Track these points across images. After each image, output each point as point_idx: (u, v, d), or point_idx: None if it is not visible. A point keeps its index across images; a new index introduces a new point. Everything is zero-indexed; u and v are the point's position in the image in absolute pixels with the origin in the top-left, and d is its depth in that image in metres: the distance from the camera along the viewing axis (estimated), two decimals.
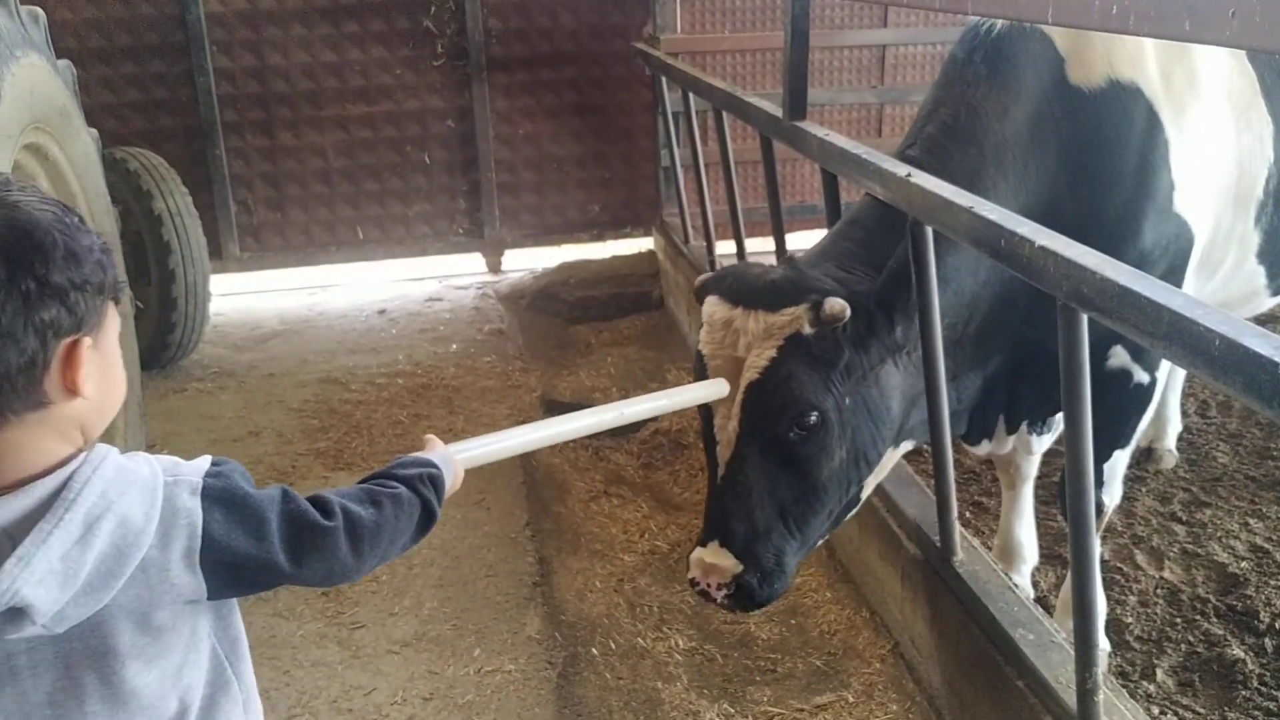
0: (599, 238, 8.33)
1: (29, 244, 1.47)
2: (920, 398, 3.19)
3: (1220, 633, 3.83)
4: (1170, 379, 4.80)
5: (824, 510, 3.05)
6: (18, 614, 1.43)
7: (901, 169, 3.01)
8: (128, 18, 7.32)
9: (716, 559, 2.95)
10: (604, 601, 4.12)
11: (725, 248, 5.98)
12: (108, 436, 3.87)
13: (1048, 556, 4.26)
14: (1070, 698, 2.65)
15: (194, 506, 1.57)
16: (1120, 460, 3.60)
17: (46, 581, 1.43)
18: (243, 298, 7.94)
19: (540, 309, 7.58)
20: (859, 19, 7.87)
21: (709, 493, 3.10)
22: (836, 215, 3.86)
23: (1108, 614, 3.83)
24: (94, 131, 4.00)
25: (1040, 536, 4.19)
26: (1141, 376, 3.42)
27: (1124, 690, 2.93)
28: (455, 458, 2.05)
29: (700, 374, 3.06)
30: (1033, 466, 3.99)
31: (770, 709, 3.52)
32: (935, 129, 3.28)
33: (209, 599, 1.65)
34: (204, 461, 1.67)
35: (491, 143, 7.97)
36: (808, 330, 2.88)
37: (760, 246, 6.44)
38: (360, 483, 1.87)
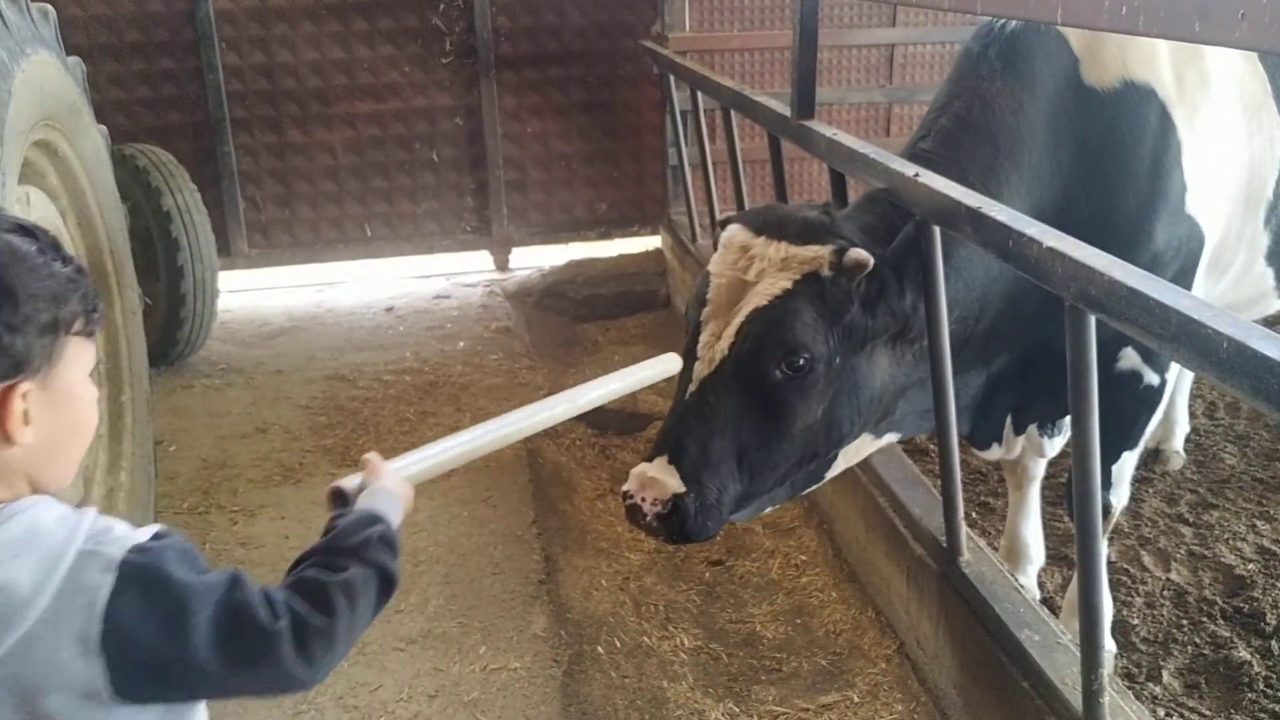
0: (606, 236, 8.33)
1: None
2: (911, 390, 3.16)
3: (1227, 635, 3.82)
4: (1178, 381, 4.79)
5: (781, 465, 2.94)
6: None
7: (909, 169, 3.00)
8: (137, 14, 7.34)
9: (660, 474, 2.82)
10: (610, 600, 4.12)
11: None
12: (115, 435, 3.88)
13: (1054, 558, 4.26)
14: (1076, 699, 2.65)
15: (101, 583, 1.37)
16: (1128, 462, 3.60)
17: None
18: (251, 294, 7.95)
19: (547, 307, 7.58)
20: (867, 18, 7.86)
21: (671, 410, 2.98)
22: None
23: (1114, 615, 3.83)
24: (103, 128, 4.01)
25: (1046, 537, 4.19)
26: (1151, 378, 3.41)
27: (1129, 692, 2.93)
28: (402, 475, 1.88)
29: (702, 292, 3.00)
30: (1041, 468, 3.98)
31: (775, 708, 3.52)
32: (949, 121, 3.27)
33: (117, 695, 1.39)
34: (143, 533, 1.49)
35: (499, 140, 7.97)
36: (826, 273, 2.84)
37: None
38: (303, 561, 1.63)
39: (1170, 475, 4.92)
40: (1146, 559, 4.30)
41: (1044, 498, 4.18)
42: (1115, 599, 3.95)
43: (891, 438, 3.31)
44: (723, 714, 3.48)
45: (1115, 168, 3.21)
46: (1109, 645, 3.53)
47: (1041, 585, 4.16)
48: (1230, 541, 4.40)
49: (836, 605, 4.04)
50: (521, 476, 5.13)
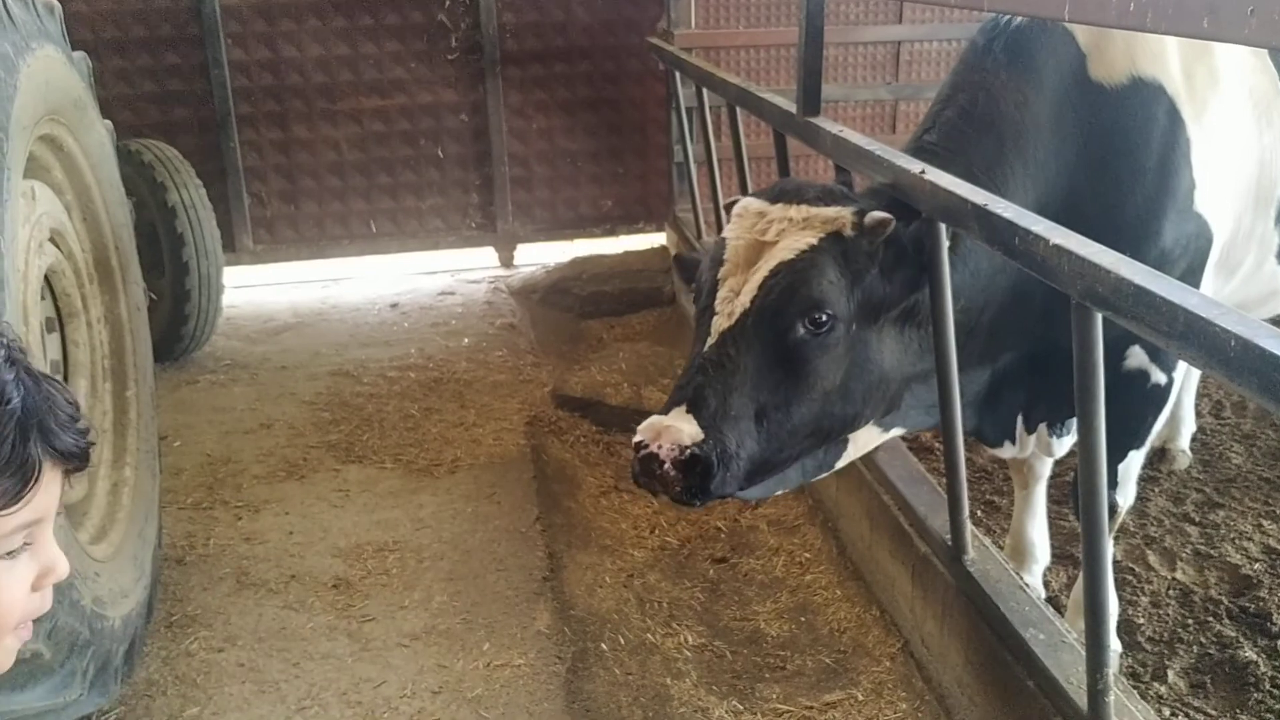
0: (611, 233, 8.33)
1: None
2: (915, 380, 3.15)
3: (1232, 634, 3.81)
4: (1185, 379, 4.77)
5: (798, 431, 2.87)
6: None
7: (915, 165, 2.99)
8: (143, 10, 7.34)
9: (678, 421, 2.71)
10: (613, 597, 4.12)
11: None
12: (119, 430, 3.88)
13: (1059, 556, 4.24)
14: (1081, 698, 2.64)
15: None
16: (1135, 461, 3.58)
17: None
18: (255, 290, 7.96)
19: (552, 303, 7.57)
20: (874, 15, 7.85)
21: (688, 364, 2.91)
22: None
23: (1119, 614, 3.82)
24: (109, 123, 4.00)
25: (1051, 536, 4.17)
26: (1159, 377, 3.40)
27: (1135, 691, 2.92)
28: None
29: (718, 254, 2.95)
30: (1047, 466, 3.97)
31: (779, 706, 3.51)
32: (954, 114, 3.26)
33: None
34: None
35: (505, 137, 7.97)
36: (849, 232, 2.84)
37: None
38: None
39: (1176, 474, 4.91)
40: (1152, 558, 4.29)
41: (1049, 496, 4.18)
42: (1121, 598, 3.94)
43: (896, 431, 3.31)
44: (726, 712, 3.48)
45: (1122, 164, 3.20)
46: (1114, 644, 3.51)
47: (1046, 584, 4.15)
48: (1236, 541, 4.38)
49: (841, 603, 4.03)
50: (525, 473, 5.13)
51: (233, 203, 7.71)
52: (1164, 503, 4.69)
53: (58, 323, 3.67)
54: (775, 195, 2.99)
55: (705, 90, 5.95)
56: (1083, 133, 3.21)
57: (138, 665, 3.69)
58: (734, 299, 2.85)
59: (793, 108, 4.08)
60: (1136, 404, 3.44)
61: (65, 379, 3.67)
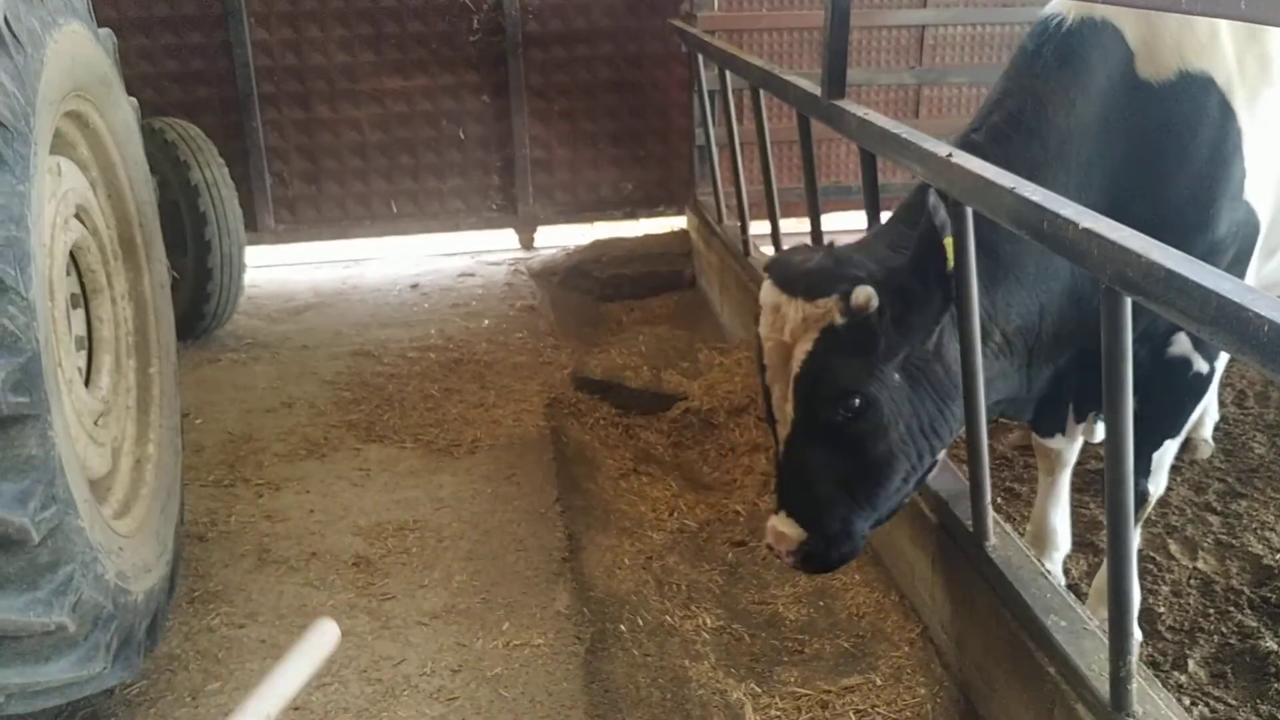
0: (632, 216, 8.32)
1: None
2: (999, 378, 3.24)
3: (1254, 625, 3.79)
4: None
5: (890, 480, 3.14)
6: None
7: (942, 149, 2.97)
8: None
9: (785, 528, 3.14)
10: (632, 579, 4.12)
11: (759, 228, 5.95)
12: (143, 407, 3.90)
13: (1078, 544, 4.23)
14: (1103, 686, 2.63)
15: None
16: (1170, 450, 3.57)
17: None
18: (277, 270, 7.98)
19: (572, 286, 7.57)
20: None
21: (776, 464, 3.26)
22: (874, 196, 3.84)
23: (1140, 603, 3.80)
24: (134, 100, 4.01)
25: (1072, 524, 4.16)
26: (1200, 366, 3.40)
27: (1156, 680, 2.90)
28: None
29: (760, 357, 3.19)
30: (1074, 454, 3.96)
31: (797, 689, 3.51)
32: (1001, 118, 3.26)
33: None
34: None
35: (526, 119, 7.96)
36: (839, 320, 2.96)
37: (795, 227, 6.41)
38: None
39: (1199, 464, 4.88)
40: (1174, 547, 4.27)
41: (1071, 484, 4.15)
42: (1141, 587, 3.92)
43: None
44: (744, 694, 3.48)
45: (1172, 161, 3.19)
46: (1135, 633, 3.50)
47: (1066, 571, 4.13)
48: (1258, 531, 4.36)
49: (860, 588, 4.02)
50: (545, 454, 5.14)
51: (255, 182, 7.73)
52: (1186, 492, 4.66)
53: (83, 299, 3.68)
54: (782, 283, 3.10)
55: (728, 73, 5.93)
56: (1130, 133, 3.19)
57: (160, 640, 3.71)
58: (784, 405, 3.12)
59: (817, 90, 4.06)
60: (1177, 392, 3.44)
61: (89, 355, 3.69)
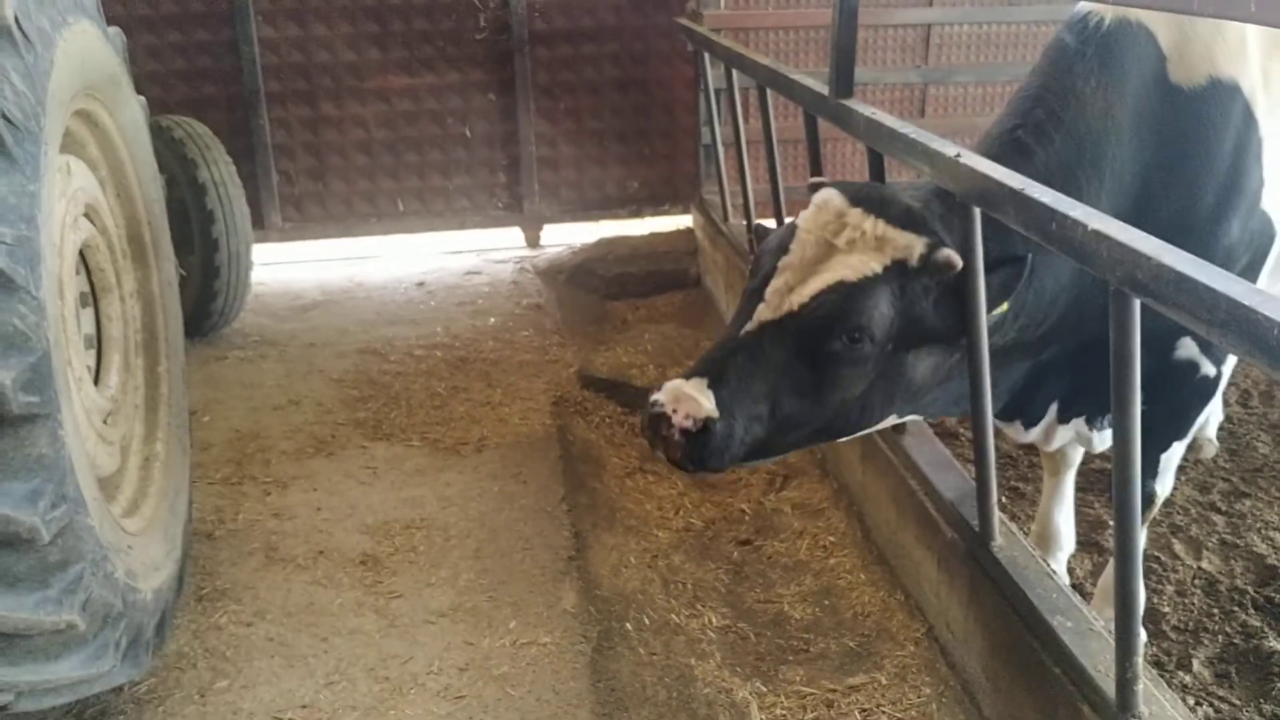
0: (637, 214, 8.33)
1: None
2: (949, 382, 3.18)
3: (1258, 624, 3.80)
4: None
5: (807, 426, 3.02)
6: None
7: (950, 149, 2.97)
8: None
9: (697, 393, 2.86)
10: (638, 577, 4.13)
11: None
12: (151, 406, 3.91)
13: (1083, 544, 4.24)
14: (1108, 686, 2.64)
15: None
16: (1177, 452, 3.58)
17: None
18: (284, 268, 7.99)
19: (578, 284, 7.58)
20: None
21: (722, 336, 3.04)
22: None
23: (1145, 603, 3.81)
24: (142, 99, 4.02)
25: (1076, 523, 4.16)
26: (1208, 369, 3.41)
27: (1161, 680, 2.91)
28: None
29: (785, 240, 3.01)
30: (1078, 455, 3.96)
31: (802, 688, 3.52)
32: (1043, 115, 3.21)
33: None
34: None
35: (532, 117, 7.96)
36: (914, 264, 2.88)
37: None
38: None
39: (1203, 463, 4.88)
40: (1178, 547, 4.28)
41: (1075, 484, 4.16)
42: (1146, 587, 3.93)
43: (912, 418, 3.33)
44: (750, 693, 3.49)
45: (1197, 167, 3.19)
46: (1140, 633, 3.51)
47: (1070, 571, 4.14)
48: (1262, 531, 4.36)
49: (865, 587, 4.03)
50: (552, 453, 5.15)
51: (261, 180, 7.74)
52: (1190, 491, 4.66)
53: (92, 297, 3.69)
54: (858, 198, 2.98)
55: (734, 71, 5.92)
56: (1160, 137, 3.20)
57: (168, 638, 3.73)
58: (786, 294, 2.93)
59: (824, 90, 4.06)
60: (1184, 395, 3.44)
61: (98, 353, 3.70)
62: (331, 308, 7.28)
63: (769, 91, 5.20)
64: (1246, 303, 1.84)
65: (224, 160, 6.45)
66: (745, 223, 6.13)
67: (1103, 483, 4.70)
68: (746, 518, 4.54)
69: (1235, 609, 3.90)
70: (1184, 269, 2.00)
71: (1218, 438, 5.01)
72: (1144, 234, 2.21)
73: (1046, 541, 4.03)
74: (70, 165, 3.41)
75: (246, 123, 7.64)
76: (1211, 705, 3.47)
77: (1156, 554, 4.20)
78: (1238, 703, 3.48)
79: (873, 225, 2.90)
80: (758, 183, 6.09)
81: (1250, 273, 3.33)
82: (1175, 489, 4.64)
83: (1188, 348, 3.36)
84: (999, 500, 3.75)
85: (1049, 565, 3.25)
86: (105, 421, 3.50)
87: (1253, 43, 3.23)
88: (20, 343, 2.59)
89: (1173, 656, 3.69)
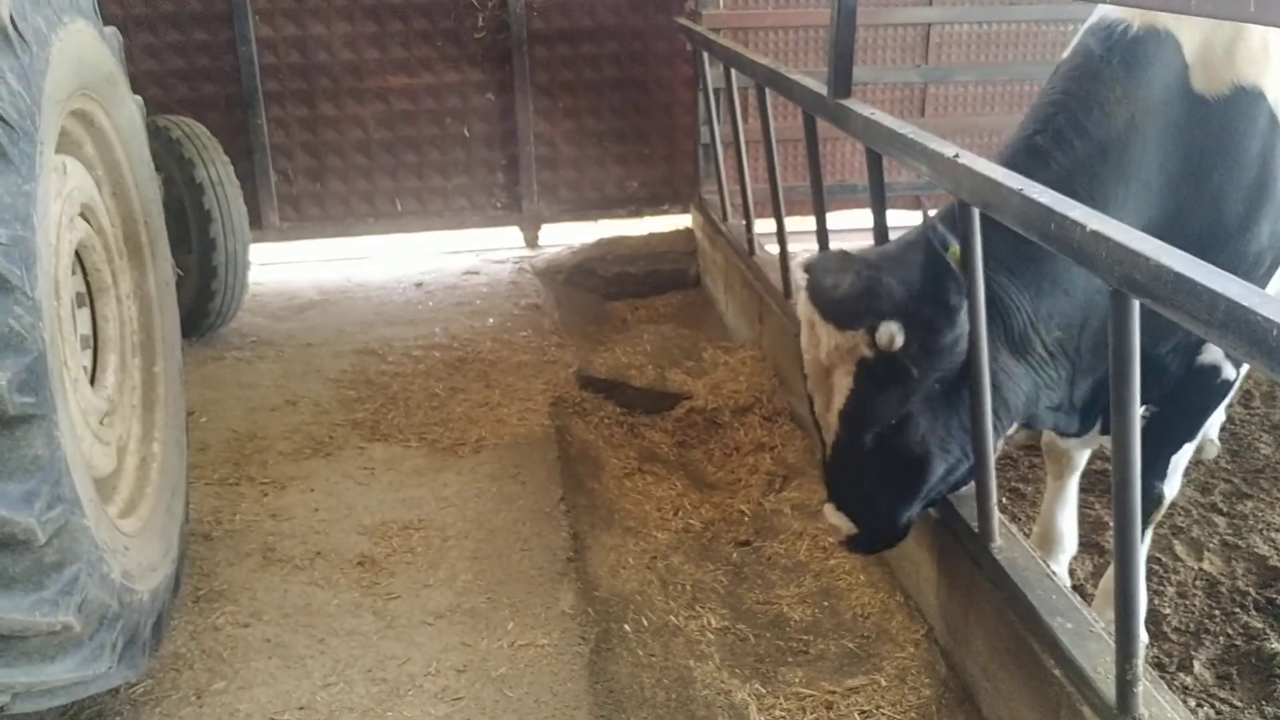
0: (637, 214, 8.31)
1: None
2: (1045, 388, 3.29)
3: (1260, 626, 3.79)
4: None
5: (928, 479, 3.26)
6: None
7: (949, 149, 2.97)
8: None
9: (836, 520, 3.34)
10: (637, 578, 4.12)
11: (764, 226, 5.94)
12: (148, 406, 3.89)
13: (1084, 545, 4.23)
14: (1108, 688, 2.63)
15: None
16: (1187, 453, 3.58)
17: None
18: (281, 268, 7.98)
19: (577, 284, 7.57)
20: None
21: (823, 460, 3.41)
22: (880, 195, 3.83)
23: (1146, 605, 3.79)
24: (139, 99, 4.01)
25: (1078, 525, 4.15)
26: (1229, 373, 3.43)
27: (1162, 682, 2.90)
28: None
29: (804, 369, 3.30)
30: (1084, 459, 3.95)
31: (802, 690, 3.51)
32: (1066, 122, 3.22)
33: None
34: None
35: (531, 116, 7.95)
36: (868, 354, 3.03)
37: (800, 226, 6.39)
38: None
39: (1205, 464, 4.87)
40: (1179, 548, 4.26)
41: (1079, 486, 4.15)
42: (1147, 588, 3.91)
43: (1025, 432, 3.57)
44: (749, 694, 3.47)
45: (1224, 176, 3.18)
46: (1141, 635, 3.50)
47: (1072, 573, 4.13)
48: (1264, 532, 4.35)
49: (865, 588, 4.02)
50: (550, 454, 5.14)
51: (259, 180, 7.72)
52: (1192, 492, 4.65)
53: (88, 298, 3.68)
54: (814, 299, 3.16)
55: (733, 71, 5.92)
56: (1185, 147, 3.18)
57: (165, 639, 3.71)
58: (826, 414, 3.25)
59: (823, 89, 4.05)
60: (1201, 397, 3.46)
61: (95, 354, 3.69)
62: (329, 308, 7.27)
63: (768, 91, 5.20)
64: (1245, 303, 1.83)
65: (221, 160, 6.43)
66: (744, 222, 6.12)
67: (1103, 484, 4.69)
68: (746, 519, 4.53)
69: (1237, 610, 3.89)
70: (1182, 269, 1.99)
71: (1220, 439, 5.00)
72: (1142, 234, 2.20)
73: (1049, 543, 4.02)
74: (66, 165, 3.40)
75: (244, 123, 7.63)
76: (1213, 707, 3.46)
77: (1158, 555, 4.19)
78: (1239, 704, 3.47)
79: (827, 336, 3.11)
80: (757, 182, 6.09)
81: (1268, 276, 3.35)
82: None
83: (1212, 352, 3.37)
84: (999, 501, 3.74)
85: (1049, 566, 3.24)
86: (102, 422, 3.49)
87: (1274, 48, 3.21)
88: (15, 343, 2.58)
89: (1174, 658, 3.68)
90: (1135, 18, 3.22)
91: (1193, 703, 3.45)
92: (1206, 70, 3.18)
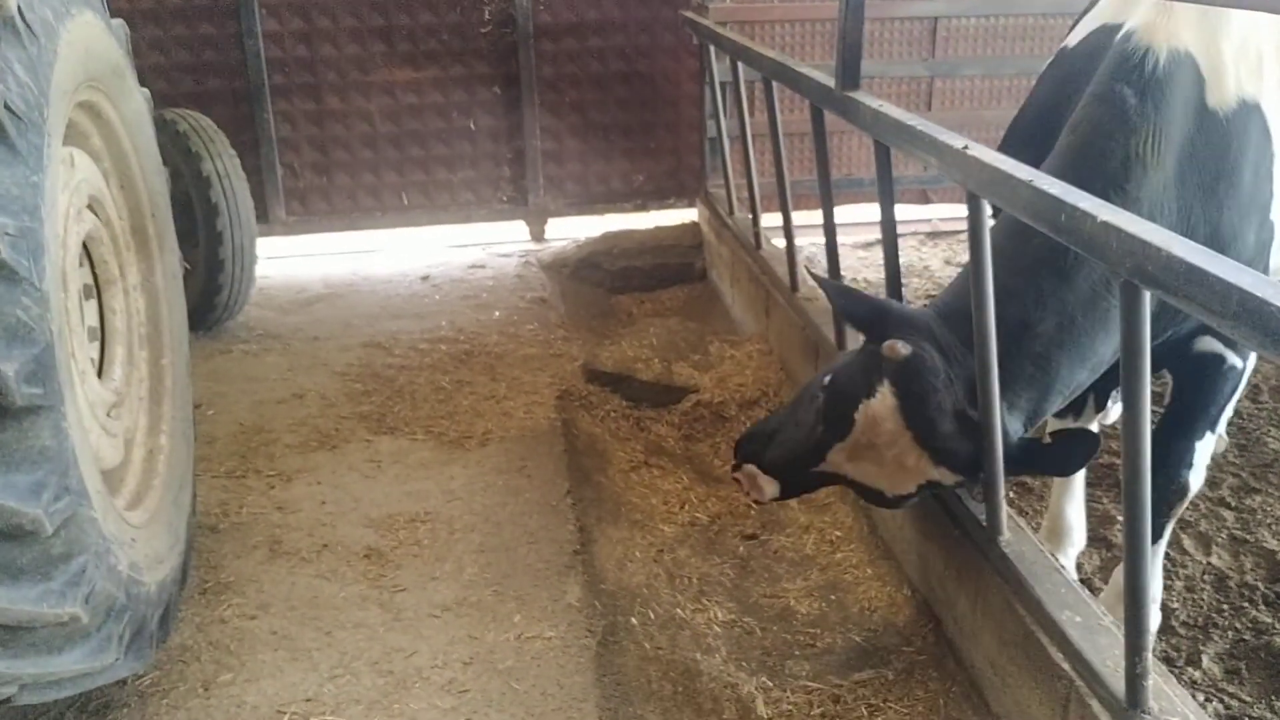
0: (643, 208, 8.31)
1: None
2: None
3: (1268, 620, 3.78)
4: None
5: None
6: None
7: (958, 141, 2.95)
8: None
9: (766, 485, 3.59)
10: (644, 571, 4.12)
11: (771, 220, 5.93)
12: (155, 399, 3.90)
13: (1092, 539, 4.21)
14: (1118, 682, 2.62)
15: None
16: (1210, 442, 3.56)
17: None
18: (288, 261, 7.98)
19: (583, 278, 7.57)
20: None
21: (780, 423, 3.59)
22: (888, 188, 3.82)
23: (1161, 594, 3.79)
24: (146, 91, 4.01)
25: (1086, 518, 4.14)
26: (1235, 361, 3.43)
27: (1172, 676, 2.89)
28: None
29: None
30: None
31: (809, 684, 3.50)
32: (1102, 188, 3.03)
33: None
34: None
35: (537, 110, 7.94)
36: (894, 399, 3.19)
37: (807, 219, 6.39)
38: None
39: (1213, 459, 4.85)
40: (1187, 542, 4.25)
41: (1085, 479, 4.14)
42: None
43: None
44: (756, 688, 3.47)
45: (1228, 187, 3.18)
46: (1151, 628, 3.49)
47: (1079, 567, 4.12)
48: (1272, 526, 4.34)
49: (871, 582, 4.01)
50: (556, 447, 5.14)
51: (266, 174, 7.72)
52: (1200, 487, 4.63)
53: (95, 290, 3.68)
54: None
55: (740, 64, 5.90)
56: (1198, 165, 3.16)
57: (172, 631, 3.72)
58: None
59: (831, 82, 4.03)
60: (1214, 383, 3.46)
61: (102, 346, 3.69)
62: (336, 301, 7.27)
63: (775, 84, 5.18)
64: (1258, 293, 1.82)
65: (228, 153, 6.43)
66: (751, 216, 6.11)
67: (1111, 478, 4.68)
68: (752, 512, 4.52)
69: (1245, 605, 3.88)
70: (1194, 260, 1.98)
71: (1228, 433, 4.99)
72: (1154, 225, 2.19)
73: (1057, 536, 4.02)
74: (74, 157, 3.40)
75: (251, 116, 7.63)
76: (1221, 701, 3.45)
77: (1166, 550, 4.17)
78: (1248, 699, 3.46)
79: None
80: (763, 176, 6.08)
81: None
82: None
83: (1208, 341, 3.37)
84: (1007, 495, 3.73)
85: (1057, 560, 3.23)
86: (109, 414, 3.49)
87: (1269, 57, 3.21)
88: (23, 334, 2.57)
89: (1182, 652, 3.67)
90: (1158, 41, 3.12)
91: (1201, 697, 3.45)
92: (1219, 85, 3.16)
